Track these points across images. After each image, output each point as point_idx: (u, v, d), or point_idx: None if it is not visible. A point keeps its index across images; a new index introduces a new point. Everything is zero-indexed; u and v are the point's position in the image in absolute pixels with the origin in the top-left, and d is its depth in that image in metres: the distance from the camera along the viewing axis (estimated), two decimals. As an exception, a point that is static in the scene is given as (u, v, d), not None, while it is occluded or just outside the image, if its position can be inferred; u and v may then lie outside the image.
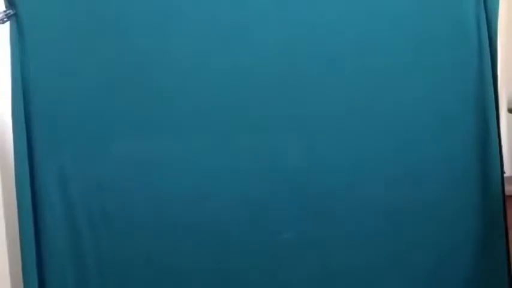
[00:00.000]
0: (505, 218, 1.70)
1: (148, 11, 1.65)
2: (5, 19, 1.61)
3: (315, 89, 1.68)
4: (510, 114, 1.94)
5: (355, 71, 1.68)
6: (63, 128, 1.65)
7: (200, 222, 1.68)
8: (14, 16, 1.62)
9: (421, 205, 1.70)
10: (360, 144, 1.69)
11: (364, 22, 1.68)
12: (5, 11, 1.61)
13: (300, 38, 1.67)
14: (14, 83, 1.62)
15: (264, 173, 1.69)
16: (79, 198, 1.66)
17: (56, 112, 1.65)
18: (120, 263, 1.69)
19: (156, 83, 1.67)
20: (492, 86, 1.68)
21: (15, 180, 1.62)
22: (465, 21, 1.67)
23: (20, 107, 1.61)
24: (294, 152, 1.72)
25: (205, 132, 1.68)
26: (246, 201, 1.68)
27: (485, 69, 1.67)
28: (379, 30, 1.67)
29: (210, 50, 1.66)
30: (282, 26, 1.67)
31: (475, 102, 1.68)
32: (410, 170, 1.70)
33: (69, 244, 1.66)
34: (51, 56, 1.65)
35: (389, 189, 1.70)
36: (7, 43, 1.63)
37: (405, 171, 1.70)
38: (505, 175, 1.72)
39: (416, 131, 1.69)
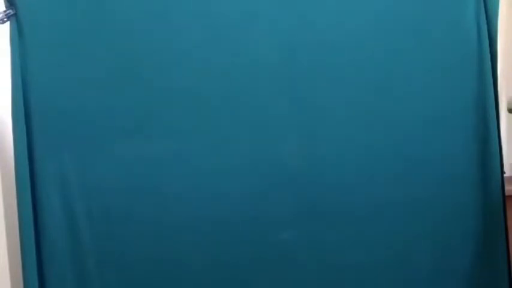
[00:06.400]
0: (505, 218, 1.70)
1: (148, 11, 1.65)
2: (5, 19, 1.61)
3: (315, 88, 1.69)
4: (510, 114, 1.94)
5: (356, 72, 1.68)
6: (63, 128, 1.65)
7: (200, 222, 1.68)
8: (14, 16, 1.62)
9: (421, 205, 1.70)
10: (360, 144, 1.69)
11: (365, 22, 1.68)
12: (5, 11, 1.61)
13: (301, 38, 1.67)
14: (14, 83, 1.62)
15: (263, 172, 1.69)
16: (79, 198, 1.66)
17: (56, 112, 1.65)
18: (120, 263, 1.68)
19: (156, 83, 1.67)
20: (492, 86, 1.68)
21: (15, 180, 1.62)
22: (465, 21, 1.67)
23: (20, 107, 1.61)
24: (294, 152, 1.72)
25: (206, 131, 1.68)
26: (245, 200, 1.68)
27: (486, 69, 1.67)
28: (379, 30, 1.68)
29: (211, 49, 1.66)
30: (283, 25, 1.67)
31: (475, 102, 1.69)
32: (410, 170, 1.70)
33: (69, 244, 1.66)
34: (51, 55, 1.65)
35: (389, 189, 1.70)
36: (7, 43, 1.63)
37: (405, 171, 1.70)
38: (505, 175, 1.72)
39: (417, 131, 1.69)
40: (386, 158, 1.70)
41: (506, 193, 1.72)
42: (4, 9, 1.62)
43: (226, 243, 1.70)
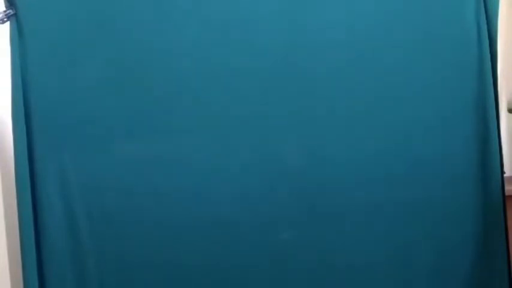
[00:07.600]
0: (505, 218, 1.70)
1: (148, 11, 1.65)
2: (5, 19, 1.61)
3: (316, 88, 1.69)
4: (510, 114, 1.94)
5: (356, 72, 1.68)
6: (63, 128, 1.66)
7: (200, 222, 1.68)
8: (14, 16, 1.62)
9: (421, 205, 1.70)
10: (360, 144, 1.69)
11: (365, 22, 1.68)
12: (5, 11, 1.61)
13: (301, 37, 1.67)
14: (14, 83, 1.62)
15: (264, 172, 1.69)
16: (79, 198, 1.66)
17: (56, 112, 1.65)
18: (120, 262, 1.68)
19: (155, 82, 1.67)
20: (492, 86, 1.68)
21: (15, 180, 1.62)
22: (465, 21, 1.67)
23: (20, 107, 1.61)
24: (294, 151, 1.72)
25: (206, 131, 1.68)
26: (246, 200, 1.68)
27: (486, 69, 1.67)
28: (379, 30, 1.68)
29: (211, 49, 1.66)
30: (283, 24, 1.67)
31: (475, 102, 1.69)
32: (410, 170, 1.70)
33: (69, 244, 1.66)
34: (51, 55, 1.65)
35: (389, 189, 1.70)
36: (7, 43, 1.63)
37: (405, 171, 1.70)
38: (505, 175, 1.72)
39: (417, 131, 1.69)
40: (387, 157, 1.70)
41: (506, 193, 1.71)
42: (4, 9, 1.62)
43: (227, 243, 1.69)
